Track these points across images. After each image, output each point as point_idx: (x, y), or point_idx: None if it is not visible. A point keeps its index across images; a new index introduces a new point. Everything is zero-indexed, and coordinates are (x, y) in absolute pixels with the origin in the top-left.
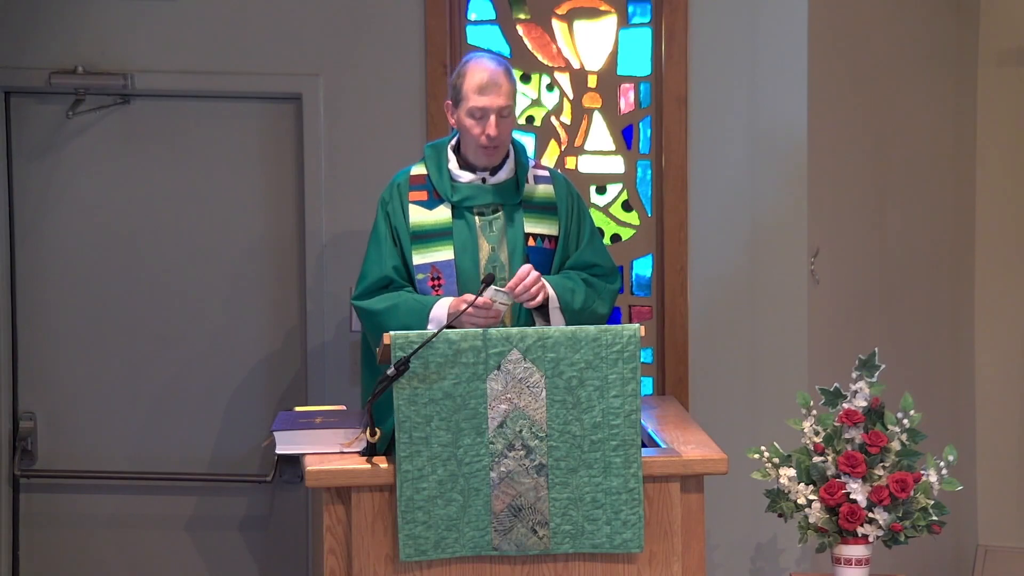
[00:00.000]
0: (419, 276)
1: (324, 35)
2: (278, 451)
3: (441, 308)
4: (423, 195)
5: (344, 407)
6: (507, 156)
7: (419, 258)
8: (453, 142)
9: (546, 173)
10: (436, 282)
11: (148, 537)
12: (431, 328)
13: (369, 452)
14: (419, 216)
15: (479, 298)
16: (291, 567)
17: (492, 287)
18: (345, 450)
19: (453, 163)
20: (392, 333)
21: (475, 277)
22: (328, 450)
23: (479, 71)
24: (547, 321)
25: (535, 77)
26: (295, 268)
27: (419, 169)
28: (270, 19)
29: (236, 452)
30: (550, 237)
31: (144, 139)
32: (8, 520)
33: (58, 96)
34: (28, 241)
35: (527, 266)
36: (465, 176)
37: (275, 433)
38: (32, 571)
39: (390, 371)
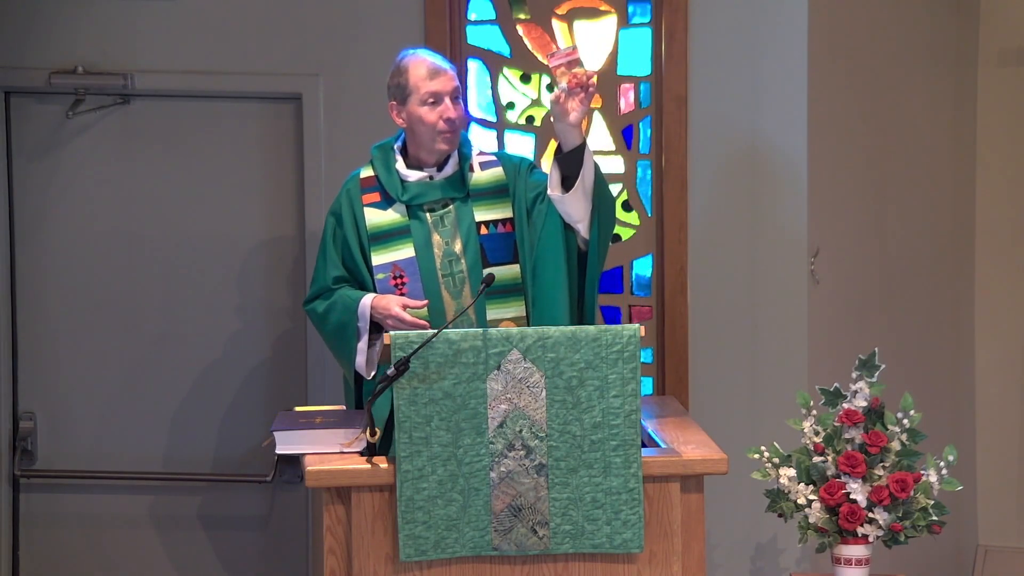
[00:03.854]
0: (379, 276)
1: (324, 35)
2: (278, 451)
3: (366, 306)
4: (376, 196)
5: (344, 407)
6: (459, 138)
7: (379, 258)
8: (399, 143)
9: (492, 158)
10: (399, 280)
11: (148, 537)
12: (360, 325)
13: (369, 452)
14: (375, 217)
15: (406, 314)
16: (291, 567)
17: (551, 53)
18: (345, 450)
19: (400, 163)
20: (392, 333)
21: (433, 273)
22: (328, 450)
23: (420, 62)
24: (567, 173)
25: (535, 77)
26: (295, 268)
27: (367, 171)
28: (270, 19)
29: (236, 452)
30: (504, 220)
31: (144, 139)
32: (8, 520)
33: (58, 96)
34: (28, 241)
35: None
36: (413, 175)
37: (275, 433)
38: (32, 571)
39: (390, 371)
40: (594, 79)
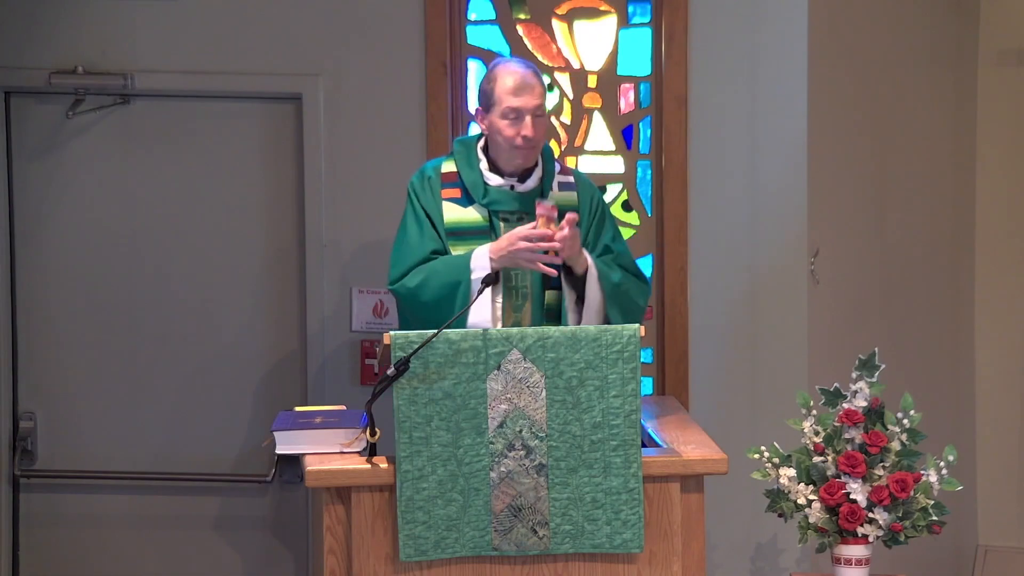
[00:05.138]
0: None
1: (324, 35)
2: (278, 451)
3: (481, 254)
4: (456, 192)
5: (344, 407)
6: (536, 164)
7: (456, 253)
8: (482, 142)
9: (570, 179)
10: None
11: (148, 537)
12: (475, 278)
13: (369, 452)
14: (455, 213)
15: (532, 230)
16: (291, 567)
17: (540, 202)
18: (345, 450)
19: (484, 164)
20: (392, 333)
21: (499, 281)
22: (328, 450)
23: (510, 74)
24: (581, 294)
25: None
26: (295, 268)
27: (449, 166)
28: (270, 19)
29: (236, 452)
30: None
31: (144, 139)
32: (8, 520)
33: (58, 96)
34: (28, 241)
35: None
36: (495, 180)
37: (275, 433)
38: (32, 571)
39: (390, 371)
40: (556, 242)
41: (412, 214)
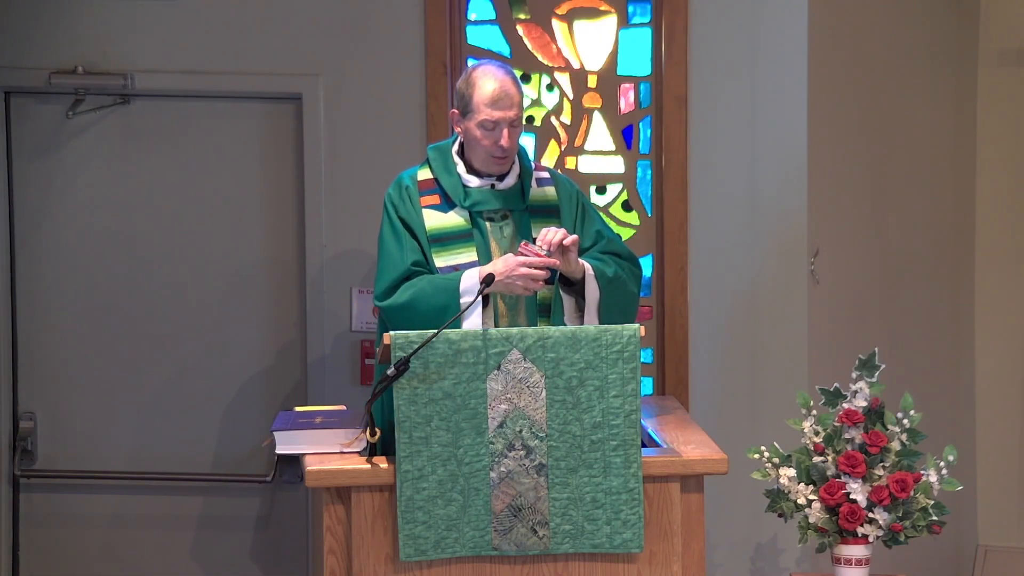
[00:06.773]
0: None
1: (324, 35)
2: (278, 451)
3: (470, 277)
4: (435, 199)
5: (344, 407)
6: (512, 161)
7: (441, 261)
8: (456, 146)
9: (547, 175)
10: None
11: (148, 537)
12: (465, 302)
13: (369, 452)
14: (436, 220)
15: (528, 257)
16: (291, 567)
17: (526, 241)
18: (345, 450)
19: (461, 168)
20: (392, 333)
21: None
22: (328, 450)
23: (489, 82)
24: (581, 296)
25: (535, 77)
26: (295, 267)
27: (425, 173)
28: (270, 19)
29: (236, 452)
30: None
31: (144, 139)
32: (8, 520)
33: (58, 96)
34: (28, 241)
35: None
36: (474, 181)
37: (275, 433)
38: (32, 571)
39: (390, 371)
40: (555, 261)
41: (389, 226)
